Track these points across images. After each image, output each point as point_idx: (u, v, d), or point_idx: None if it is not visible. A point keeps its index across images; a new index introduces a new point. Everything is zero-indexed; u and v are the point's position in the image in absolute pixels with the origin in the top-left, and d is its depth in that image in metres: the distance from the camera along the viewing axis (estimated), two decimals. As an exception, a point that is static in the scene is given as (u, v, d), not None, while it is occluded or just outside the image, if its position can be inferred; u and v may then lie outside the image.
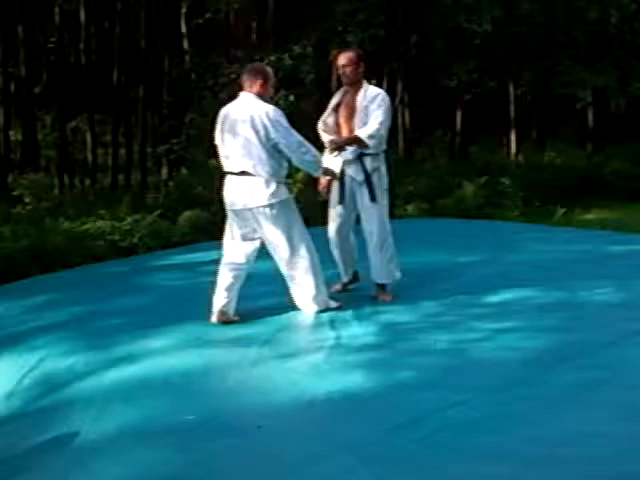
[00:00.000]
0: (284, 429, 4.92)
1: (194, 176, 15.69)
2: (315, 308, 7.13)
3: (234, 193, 6.98)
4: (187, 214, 12.90)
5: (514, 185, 16.42)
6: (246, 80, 6.97)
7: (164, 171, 19.95)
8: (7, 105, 19.28)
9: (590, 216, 16.25)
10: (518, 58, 20.77)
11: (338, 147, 7.39)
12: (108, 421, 5.13)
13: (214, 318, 7.06)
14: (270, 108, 6.81)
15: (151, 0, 20.42)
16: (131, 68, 21.08)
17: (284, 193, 6.95)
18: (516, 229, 12.42)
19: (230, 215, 7.13)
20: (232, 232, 7.16)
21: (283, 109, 7.32)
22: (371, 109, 7.37)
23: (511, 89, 23.43)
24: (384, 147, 7.56)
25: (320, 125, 7.75)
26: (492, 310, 7.19)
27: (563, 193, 17.35)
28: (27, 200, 13.92)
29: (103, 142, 22.48)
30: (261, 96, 6.91)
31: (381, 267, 7.65)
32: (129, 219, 12.14)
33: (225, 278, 7.11)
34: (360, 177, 7.52)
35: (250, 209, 6.89)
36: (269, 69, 7.20)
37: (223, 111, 7.07)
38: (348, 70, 7.48)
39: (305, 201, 12.61)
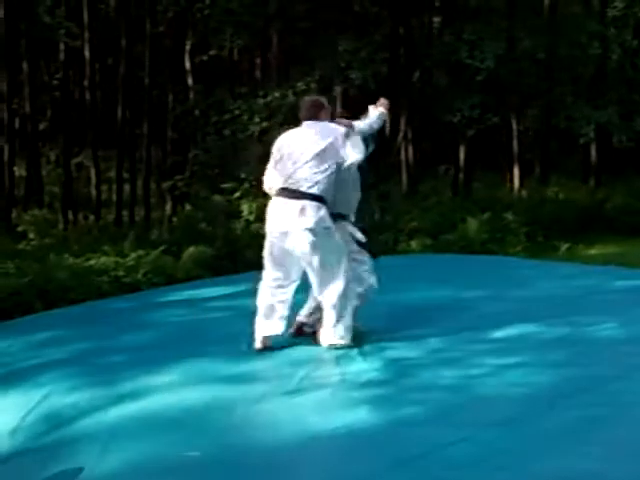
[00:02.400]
0: (289, 465, 4.92)
1: (198, 212, 15.74)
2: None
3: (281, 215, 6.88)
4: (191, 250, 12.91)
5: (517, 220, 16.44)
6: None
7: (168, 207, 20.00)
8: (11, 141, 19.36)
9: (593, 251, 16.26)
10: (521, 94, 20.84)
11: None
12: (113, 458, 5.13)
13: (258, 344, 7.02)
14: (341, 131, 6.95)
15: (155, 37, 20.57)
16: (135, 104, 21.19)
17: (329, 221, 6.88)
18: (520, 264, 12.40)
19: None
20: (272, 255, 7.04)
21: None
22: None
23: (514, 124, 23.51)
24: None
25: None
26: (496, 346, 7.17)
27: (566, 228, 17.37)
28: (31, 236, 14.00)
29: (107, 178, 22.52)
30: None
31: None
32: (133, 255, 12.16)
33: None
34: None
35: (294, 231, 6.79)
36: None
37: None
38: None
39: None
